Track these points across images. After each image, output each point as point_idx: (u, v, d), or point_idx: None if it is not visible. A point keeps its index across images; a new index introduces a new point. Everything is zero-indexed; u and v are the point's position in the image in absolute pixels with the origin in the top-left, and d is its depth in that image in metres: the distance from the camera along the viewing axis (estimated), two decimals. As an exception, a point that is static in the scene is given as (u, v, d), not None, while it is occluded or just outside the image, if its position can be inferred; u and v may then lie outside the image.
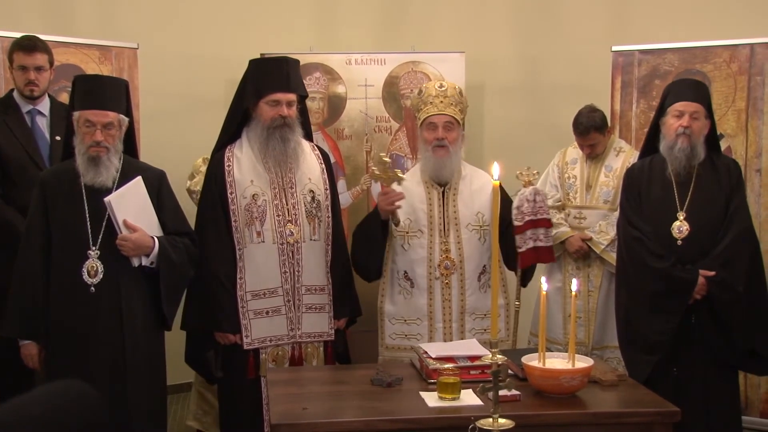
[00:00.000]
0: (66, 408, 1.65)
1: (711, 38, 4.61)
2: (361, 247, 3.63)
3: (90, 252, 3.09)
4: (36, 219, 3.14)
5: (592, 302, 4.39)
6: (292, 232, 3.46)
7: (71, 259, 3.09)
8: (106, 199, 3.04)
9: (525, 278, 3.65)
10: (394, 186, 3.50)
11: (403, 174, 3.52)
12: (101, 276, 3.08)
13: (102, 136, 3.08)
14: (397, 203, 3.48)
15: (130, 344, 3.12)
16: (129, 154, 3.27)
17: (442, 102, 3.56)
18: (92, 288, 3.08)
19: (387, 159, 3.57)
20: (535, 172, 3.60)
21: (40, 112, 3.85)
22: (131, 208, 3.11)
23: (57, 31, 4.52)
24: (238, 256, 3.44)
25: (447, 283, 3.54)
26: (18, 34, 3.96)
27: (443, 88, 3.60)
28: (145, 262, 3.14)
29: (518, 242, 3.51)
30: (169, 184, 3.33)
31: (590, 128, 4.30)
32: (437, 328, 3.53)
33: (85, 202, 3.10)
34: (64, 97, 4.18)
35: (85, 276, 3.08)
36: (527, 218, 3.48)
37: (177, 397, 5.01)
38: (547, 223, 3.55)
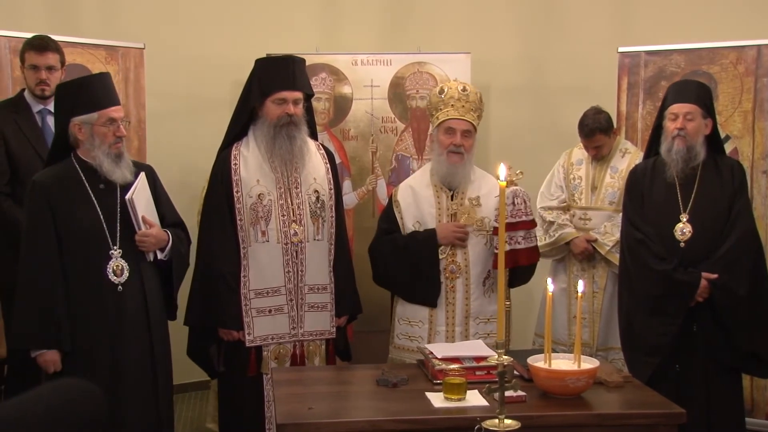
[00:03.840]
0: (69, 406, 1.66)
1: (718, 39, 4.60)
2: (411, 273, 3.53)
3: (112, 252, 3.09)
4: (41, 224, 3.05)
5: (596, 303, 4.39)
6: (296, 232, 3.47)
7: (95, 261, 3.07)
8: (127, 197, 3.07)
9: (513, 280, 3.63)
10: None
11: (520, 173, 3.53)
12: (127, 274, 3.09)
13: (125, 131, 3.12)
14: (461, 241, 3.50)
15: (157, 338, 3.17)
16: None
17: (463, 107, 3.53)
18: (120, 287, 3.08)
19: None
20: (518, 171, 3.54)
21: (50, 112, 3.85)
22: (143, 204, 3.15)
23: (63, 31, 4.52)
24: (242, 255, 3.46)
25: (452, 287, 3.53)
26: (24, 34, 3.97)
27: (466, 92, 3.56)
28: (160, 255, 3.18)
29: (495, 243, 3.47)
30: (158, 178, 3.37)
31: (595, 130, 4.30)
32: (439, 332, 3.52)
33: (95, 201, 3.10)
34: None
35: (111, 276, 3.07)
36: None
37: (182, 397, 5.01)
38: (528, 225, 3.48)
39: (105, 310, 3.06)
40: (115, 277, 3.08)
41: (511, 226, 3.43)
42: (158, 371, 3.15)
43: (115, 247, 3.09)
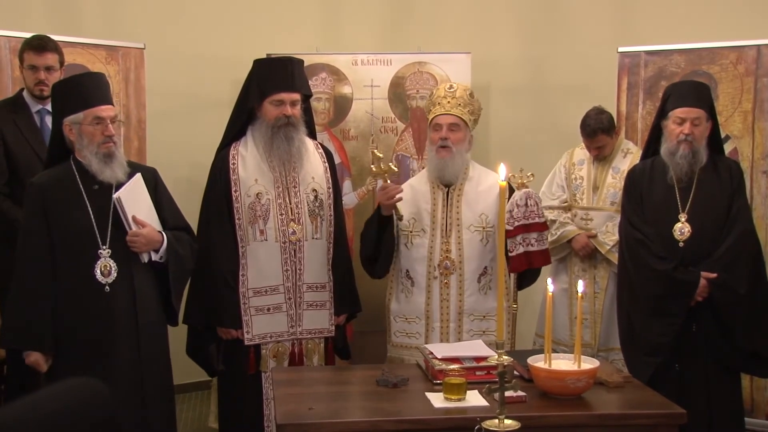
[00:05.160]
0: (79, 405, 1.67)
1: (718, 39, 4.60)
2: (365, 246, 3.65)
3: (101, 252, 3.07)
4: (35, 226, 3.07)
5: (598, 304, 4.39)
6: (294, 231, 3.49)
7: (83, 261, 3.06)
8: (115, 195, 3.04)
9: (522, 282, 3.63)
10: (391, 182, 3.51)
11: (396, 167, 3.56)
12: (115, 275, 3.07)
13: (114, 130, 3.08)
14: (396, 197, 3.47)
15: (145, 341, 3.12)
16: None
17: (449, 102, 3.57)
18: (107, 287, 3.06)
19: (380, 154, 3.57)
20: (529, 174, 3.53)
21: (49, 112, 3.83)
22: (136, 204, 3.12)
23: (64, 31, 4.52)
24: (240, 254, 3.47)
25: (446, 283, 3.54)
26: (24, 34, 3.97)
27: (452, 89, 3.60)
28: (154, 257, 3.14)
29: (509, 246, 3.48)
30: (162, 181, 3.33)
31: (597, 130, 4.30)
32: (434, 328, 3.53)
33: (87, 201, 3.09)
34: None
35: (99, 276, 3.05)
36: (517, 223, 3.46)
37: (183, 397, 5.01)
38: (541, 227, 3.49)
39: (92, 311, 3.04)
40: (103, 277, 3.06)
41: (524, 228, 3.45)
42: (145, 373, 3.11)
43: (104, 247, 3.07)
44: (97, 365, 3.00)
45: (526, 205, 3.46)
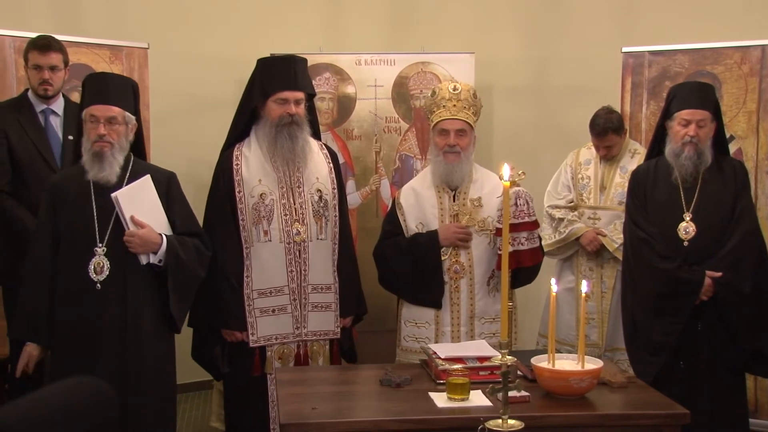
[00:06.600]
0: (82, 403, 1.68)
1: (722, 39, 4.59)
2: (414, 275, 3.55)
3: (97, 249, 3.08)
4: (44, 221, 3.15)
5: (605, 303, 4.38)
6: (299, 231, 3.48)
7: (78, 256, 3.08)
8: (113, 194, 3.03)
9: (515, 280, 3.58)
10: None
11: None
12: (107, 273, 3.07)
13: (105, 130, 3.07)
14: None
15: (135, 342, 3.09)
16: (137, 156, 3.25)
17: (455, 106, 3.54)
18: (98, 285, 3.06)
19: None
20: (520, 172, 3.49)
21: (53, 112, 3.86)
22: (139, 205, 3.11)
23: (67, 30, 4.53)
24: (245, 255, 3.47)
25: (456, 287, 3.53)
26: (28, 34, 3.98)
27: (457, 91, 3.55)
28: (153, 259, 3.11)
29: (498, 244, 3.46)
30: (179, 186, 3.31)
31: (607, 129, 4.30)
32: (445, 332, 3.52)
33: (93, 199, 3.10)
34: (76, 97, 4.19)
35: (92, 273, 3.06)
36: None
37: (186, 396, 5.02)
38: (530, 226, 3.46)
39: (81, 307, 3.06)
40: (95, 275, 3.06)
41: (513, 228, 3.40)
42: (130, 374, 3.07)
43: (100, 245, 3.08)
44: (84, 362, 3.01)
45: (515, 204, 3.41)
